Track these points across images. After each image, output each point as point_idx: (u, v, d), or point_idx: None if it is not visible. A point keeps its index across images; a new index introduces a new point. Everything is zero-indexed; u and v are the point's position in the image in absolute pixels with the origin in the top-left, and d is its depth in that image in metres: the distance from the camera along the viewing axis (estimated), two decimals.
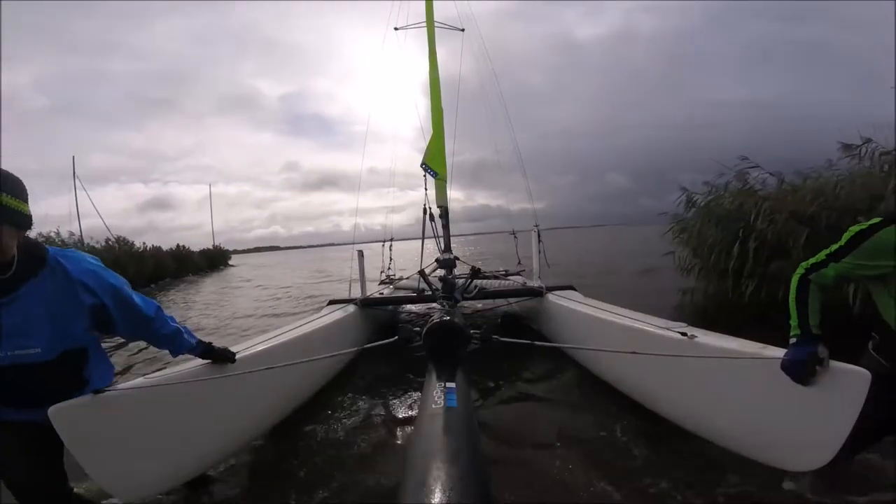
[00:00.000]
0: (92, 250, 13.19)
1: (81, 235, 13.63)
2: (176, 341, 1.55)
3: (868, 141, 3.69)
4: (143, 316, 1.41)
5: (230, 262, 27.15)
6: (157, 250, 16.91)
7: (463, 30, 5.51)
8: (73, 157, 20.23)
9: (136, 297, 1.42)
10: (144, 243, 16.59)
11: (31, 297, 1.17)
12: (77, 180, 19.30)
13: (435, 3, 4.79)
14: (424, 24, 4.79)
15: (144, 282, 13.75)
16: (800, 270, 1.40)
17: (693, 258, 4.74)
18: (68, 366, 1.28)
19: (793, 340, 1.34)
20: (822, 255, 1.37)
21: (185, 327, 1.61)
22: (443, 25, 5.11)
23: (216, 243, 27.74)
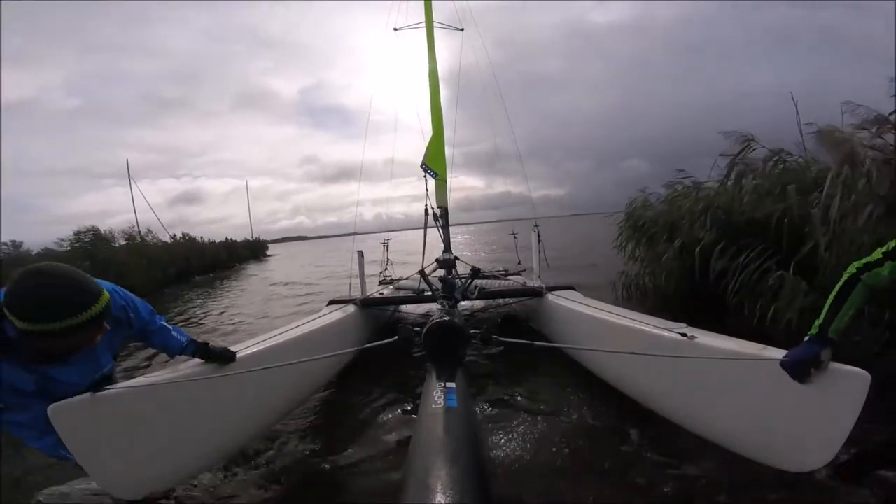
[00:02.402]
0: (165, 245, 14.51)
1: (139, 230, 14.32)
2: (163, 338, 1.62)
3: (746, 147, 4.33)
4: (142, 317, 1.54)
5: (267, 253, 28.89)
6: (213, 243, 19.37)
7: (462, 30, 5.50)
8: (127, 160, 20.75)
9: (136, 300, 1.54)
10: (202, 237, 18.73)
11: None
12: (132, 182, 20.33)
13: (435, 3, 4.79)
14: (424, 25, 4.78)
15: (204, 270, 15.46)
16: (851, 269, 1.30)
17: (633, 249, 5.76)
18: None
19: (806, 338, 1.33)
20: (877, 252, 1.26)
21: (174, 326, 1.66)
22: (442, 25, 5.11)
23: (254, 235, 30.36)
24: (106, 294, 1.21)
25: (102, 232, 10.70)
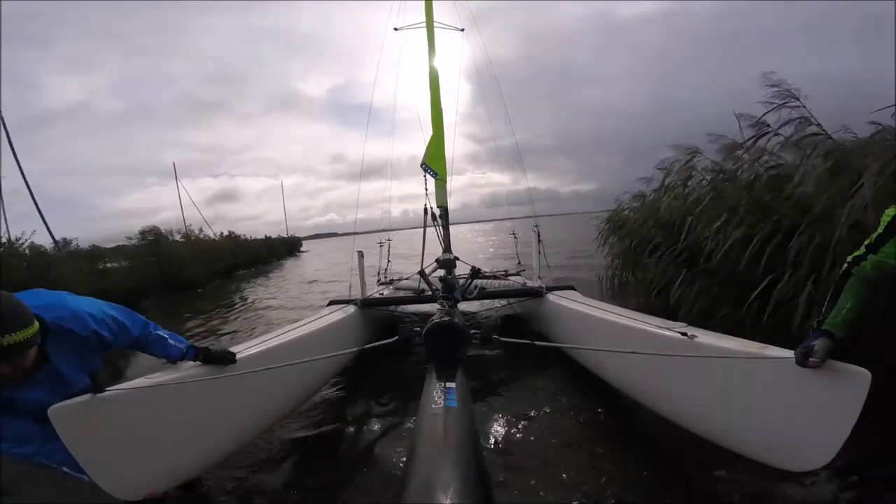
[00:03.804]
0: (214, 241, 15.97)
1: (186, 227, 15.66)
2: (161, 347, 1.62)
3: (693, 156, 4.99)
4: (131, 335, 1.53)
5: (301, 249, 30.78)
6: (256, 240, 21.46)
7: (463, 30, 5.49)
8: (174, 164, 22.84)
9: (125, 318, 1.52)
10: (245, 235, 20.60)
11: (60, 361, 1.35)
12: (179, 182, 22.62)
13: (436, 2, 4.78)
14: (424, 25, 4.77)
15: (247, 265, 16.90)
16: (844, 263, 1.32)
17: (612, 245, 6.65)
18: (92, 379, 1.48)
19: (810, 332, 1.34)
20: (863, 246, 1.27)
21: (171, 333, 1.66)
22: (443, 26, 5.09)
23: (290, 233, 33.33)
24: (33, 328, 1.19)
25: (163, 231, 12.06)
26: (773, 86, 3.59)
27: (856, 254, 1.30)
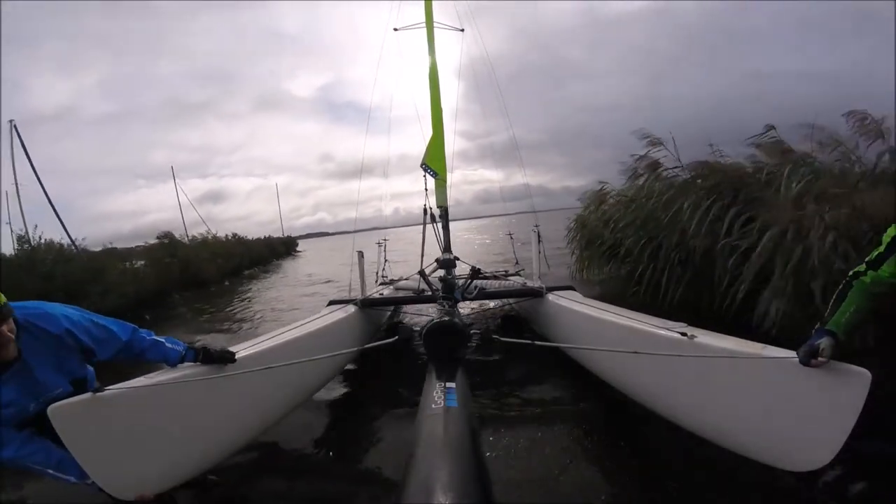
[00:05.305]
0: (224, 244, 16.18)
1: (186, 230, 16.47)
2: (159, 351, 1.63)
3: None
4: (118, 340, 1.53)
5: (297, 249, 31.37)
6: (257, 241, 22.30)
7: (462, 30, 5.49)
8: (172, 167, 23.82)
9: (112, 324, 1.53)
10: (246, 236, 21.07)
11: (33, 358, 1.35)
12: (178, 186, 23.52)
13: (436, 2, 4.77)
14: (424, 25, 4.77)
15: (251, 265, 17.30)
16: (845, 279, 1.40)
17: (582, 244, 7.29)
18: (79, 388, 1.49)
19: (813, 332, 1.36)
20: (863, 263, 1.35)
21: (167, 338, 1.68)
22: (443, 26, 5.09)
23: (284, 233, 33.73)
24: (2, 298, 1.22)
25: (176, 236, 12.97)
26: (645, 137, 5.16)
27: (856, 269, 1.36)
